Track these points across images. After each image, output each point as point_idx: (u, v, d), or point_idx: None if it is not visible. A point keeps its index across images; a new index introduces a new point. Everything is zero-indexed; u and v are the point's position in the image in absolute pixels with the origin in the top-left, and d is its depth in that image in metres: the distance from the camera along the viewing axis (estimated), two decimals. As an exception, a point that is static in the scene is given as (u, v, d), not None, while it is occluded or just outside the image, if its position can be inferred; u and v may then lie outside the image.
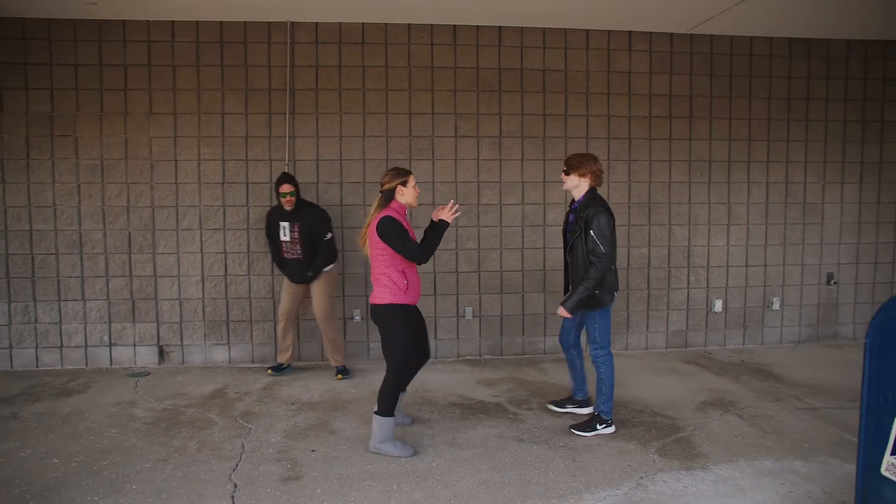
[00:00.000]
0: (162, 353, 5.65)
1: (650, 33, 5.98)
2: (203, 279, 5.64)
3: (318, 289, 5.18)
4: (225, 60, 5.55)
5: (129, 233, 5.55)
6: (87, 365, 5.58)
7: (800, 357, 5.90)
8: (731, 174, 6.20)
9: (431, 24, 5.71)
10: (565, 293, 4.28)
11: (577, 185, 3.97)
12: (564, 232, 4.14)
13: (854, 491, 2.69)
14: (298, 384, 5.09)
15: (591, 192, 3.95)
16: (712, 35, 6.04)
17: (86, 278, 5.53)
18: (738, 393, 4.83)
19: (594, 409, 4.11)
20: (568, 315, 3.96)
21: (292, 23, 5.56)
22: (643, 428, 4.13)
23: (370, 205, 5.63)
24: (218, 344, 5.70)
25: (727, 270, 6.26)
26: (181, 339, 5.66)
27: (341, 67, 5.66)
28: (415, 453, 3.70)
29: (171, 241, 5.59)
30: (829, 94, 6.28)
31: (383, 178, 3.73)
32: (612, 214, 3.90)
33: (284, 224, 5.10)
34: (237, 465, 3.57)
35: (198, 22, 5.49)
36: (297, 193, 5.05)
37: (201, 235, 5.62)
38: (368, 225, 3.71)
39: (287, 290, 5.28)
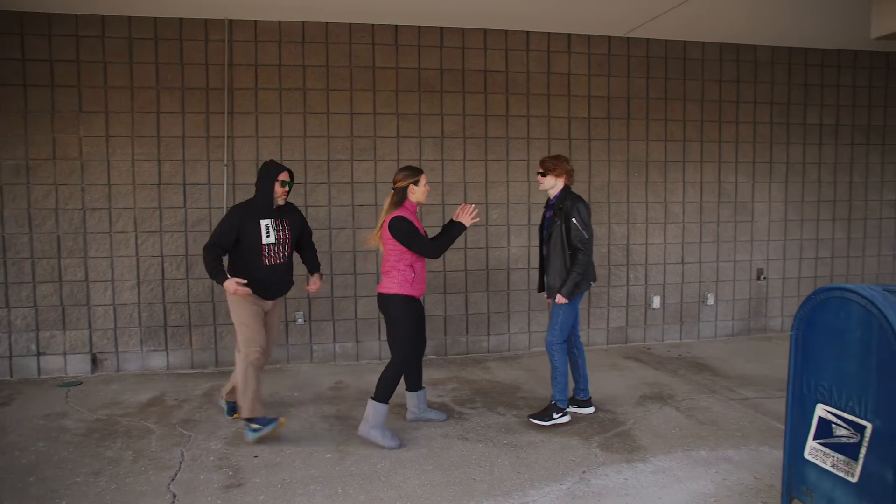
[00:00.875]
0: (95, 361, 5.42)
1: (589, 36, 6.11)
2: (139, 283, 5.44)
3: (276, 306, 4.18)
4: (160, 58, 5.37)
5: (59, 236, 5.30)
6: (11, 376, 5.30)
7: (733, 350, 6.15)
8: (667, 174, 6.40)
9: (373, 24, 5.67)
10: (539, 289, 4.42)
11: (554, 185, 4.25)
12: (541, 229, 4.36)
13: (781, 475, 2.83)
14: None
15: (566, 189, 4.24)
16: (648, 39, 6.22)
17: (10, 284, 5.25)
18: (675, 386, 5.00)
19: (551, 398, 4.19)
20: (566, 301, 4.06)
21: (230, 20, 5.43)
22: (586, 423, 4.22)
23: (312, 206, 5.62)
24: (155, 350, 5.51)
25: (664, 267, 6.46)
26: (116, 346, 5.44)
27: (281, 66, 5.56)
28: (401, 446, 3.79)
29: (104, 245, 5.38)
30: (756, 97, 6.56)
31: (396, 177, 3.92)
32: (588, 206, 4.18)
33: (267, 222, 3.96)
34: (176, 475, 3.47)
35: (130, 17, 5.29)
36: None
37: (136, 238, 5.42)
38: (382, 225, 3.87)
39: (257, 316, 3.97)
